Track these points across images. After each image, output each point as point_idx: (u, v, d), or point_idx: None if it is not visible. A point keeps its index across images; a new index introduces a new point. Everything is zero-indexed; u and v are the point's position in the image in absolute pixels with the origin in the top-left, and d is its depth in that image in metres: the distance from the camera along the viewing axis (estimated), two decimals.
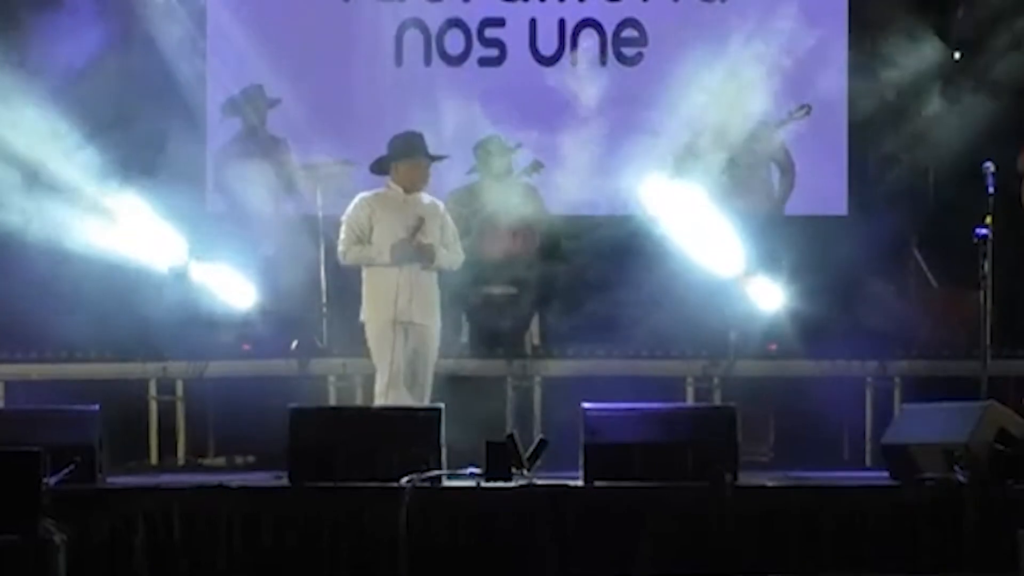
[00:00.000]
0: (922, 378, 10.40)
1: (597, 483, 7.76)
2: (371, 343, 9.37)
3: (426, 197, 9.54)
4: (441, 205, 9.61)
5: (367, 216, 9.30)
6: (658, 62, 11.98)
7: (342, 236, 9.46)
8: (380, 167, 9.58)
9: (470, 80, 11.97)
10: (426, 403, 9.21)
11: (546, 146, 11.17)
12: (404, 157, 9.40)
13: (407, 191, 9.40)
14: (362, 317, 9.47)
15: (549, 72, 11.93)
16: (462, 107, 11.85)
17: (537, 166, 10.95)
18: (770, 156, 11.08)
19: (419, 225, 9.19)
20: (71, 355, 10.59)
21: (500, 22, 12.12)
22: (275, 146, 11.25)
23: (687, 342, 10.70)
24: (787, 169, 11.17)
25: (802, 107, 10.96)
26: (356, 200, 9.47)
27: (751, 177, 10.94)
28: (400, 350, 9.18)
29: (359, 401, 10.11)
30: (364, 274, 9.45)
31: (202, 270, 10.25)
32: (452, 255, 9.48)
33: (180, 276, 10.17)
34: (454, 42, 12.12)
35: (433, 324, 9.40)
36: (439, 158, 9.66)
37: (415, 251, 9.19)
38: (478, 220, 10.93)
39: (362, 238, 9.32)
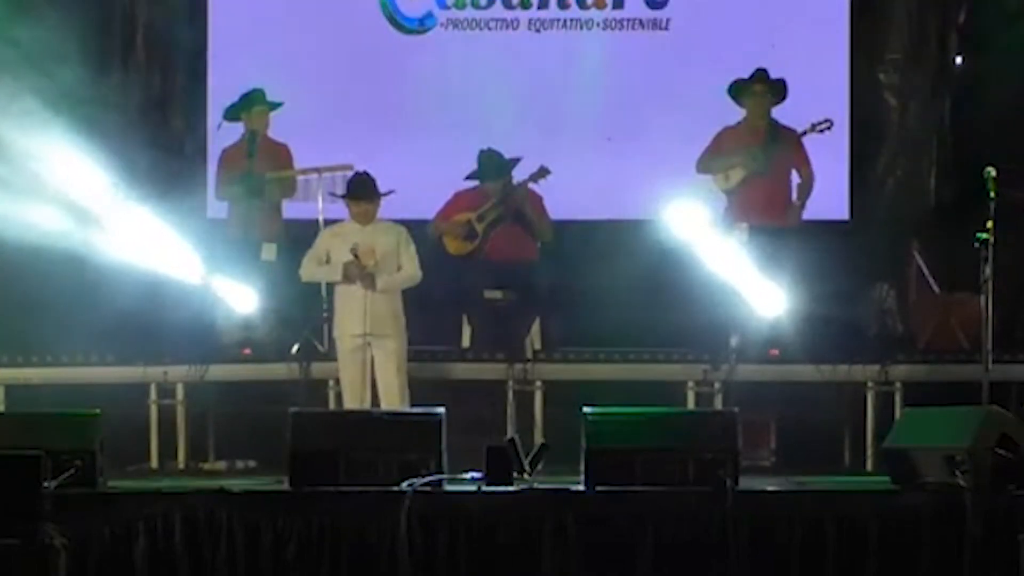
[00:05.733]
0: (923, 383, 10.39)
1: (598, 488, 7.75)
2: (339, 358, 10.02)
3: (384, 225, 10.14)
4: (402, 231, 10.14)
5: (326, 244, 10.09)
6: (661, 66, 12.01)
7: (304, 259, 10.14)
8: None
9: (473, 84, 12.00)
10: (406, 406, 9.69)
11: (548, 150, 11.19)
12: (352, 199, 10.10)
13: (360, 224, 10.05)
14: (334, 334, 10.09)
15: (554, 79, 11.97)
16: (465, 111, 11.90)
17: (544, 172, 10.95)
18: (791, 162, 11.00)
19: (357, 251, 9.89)
20: (72, 359, 10.59)
21: (506, 33, 12.16)
22: (276, 151, 11.24)
23: (688, 346, 10.69)
24: (806, 176, 11.05)
25: (824, 121, 10.91)
26: (322, 231, 10.29)
27: (770, 181, 10.90)
28: (364, 364, 9.85)
29: None
30: (335, 296, 10.07)
31: (204, 275, 10.24)
32: (400, 276, 10.03)
33: (181, 281, 10.17)
34: (458, 47, 12.15)
35: (391, 335, 9.92)
36: (386, 194, 10.14)
37: (360, 274, 9.90)
38: (483, 225, 10.96)
39: (320, 261, 10.07)
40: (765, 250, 10.53)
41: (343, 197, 10.14)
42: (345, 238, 9.98)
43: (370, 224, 10.05)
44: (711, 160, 10.97)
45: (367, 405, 9.80)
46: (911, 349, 11.00)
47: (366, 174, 10.14)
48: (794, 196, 11.00)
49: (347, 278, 9.89)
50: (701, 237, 10.20)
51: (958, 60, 12.20)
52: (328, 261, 10.01)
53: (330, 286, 10.26)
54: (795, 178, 11.02)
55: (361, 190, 10.05)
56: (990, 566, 7.47)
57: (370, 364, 9.89)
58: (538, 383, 10.49)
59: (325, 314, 10.52)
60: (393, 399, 9.84)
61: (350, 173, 10.77)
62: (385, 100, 12.01)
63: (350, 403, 9.87)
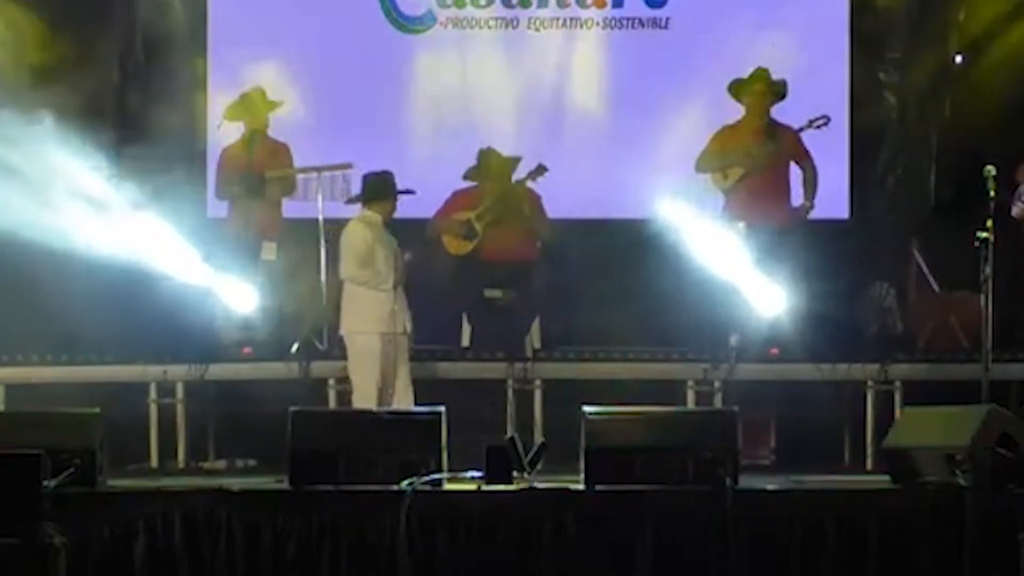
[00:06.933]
0: (923, 382, 10.39)
1: (598, 487, 7.75)
2: (358, 355, 9.89)
3: None
4: None
5: (369, 242, 9.92)
6: (660, 65, 12.01)
7: (349, 257, 9.96)
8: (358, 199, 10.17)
9: (473, 82, 12.01)
10: (412, 402, 9.74)
11: (548, 149, 11.19)
12: (385, 198, 10.02)
13: (384, 223, 10.05)
14: (344, 330, 9.96)
15: (553, 77, 11.97)
16: (464, 109, 11.91)
17: (541, 170, 10.96)
18: (790, 160, 11.00)
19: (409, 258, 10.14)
20: (72, 358, 10.58)
21: (506, 32, 12.17)
22: (276, 150, 11.24)
23: (688, 345, 10.69)
24: (809, 169, 11.03)
25: (821, 117, 10.90)
26: (355, 226, 10.02)
27: (768, 179, 10.89)
28: (384, 360, 9.84)
29: None
30: (353, 290, 9.92)
31: (203, 274, 10.24)
32: None
33: (181, 280, 10.17)
34: (458, 46, 12.15)
35: (407, 333, 10.00)
36: (408, 193, 10.14)
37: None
38: (482, 224, 10.97)
39: (367, 261, 9.88)
40: (764, 249, 10.53)
41: (401, 193, 10.06)
42: (379, 236, 9.96)
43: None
44: (710, 159, 10.98)
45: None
46: (911, 348, 11.00)
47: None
48: (797, 194, 11.01)
49: (397, 285, 9.92)
50: (700, 236, 10.20)
51: (958, 60, 12.20)
52: (372, 260, 9.91)
53: (331, 285, 10.27)
54: (796, 173, 11.01)
55: (398, 190, 10.09)
56: (990, 566, 7.46)
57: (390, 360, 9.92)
58: (538, 382, 10.49)
59: (324, 312, 10.52)
60: (408, 396, 9.88)
61: (350, 172, 10.80)
62: (385, 99, 12.00)
63: (368, 403, 9.76)
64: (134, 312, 10.40)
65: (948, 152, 12.15)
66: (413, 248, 10.28)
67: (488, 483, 7.75)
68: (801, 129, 10.91)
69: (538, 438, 9.51)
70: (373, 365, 9.82)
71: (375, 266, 9.90)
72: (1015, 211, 10.53)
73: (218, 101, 11.62)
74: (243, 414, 10.50)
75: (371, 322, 9.87)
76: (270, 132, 11.26)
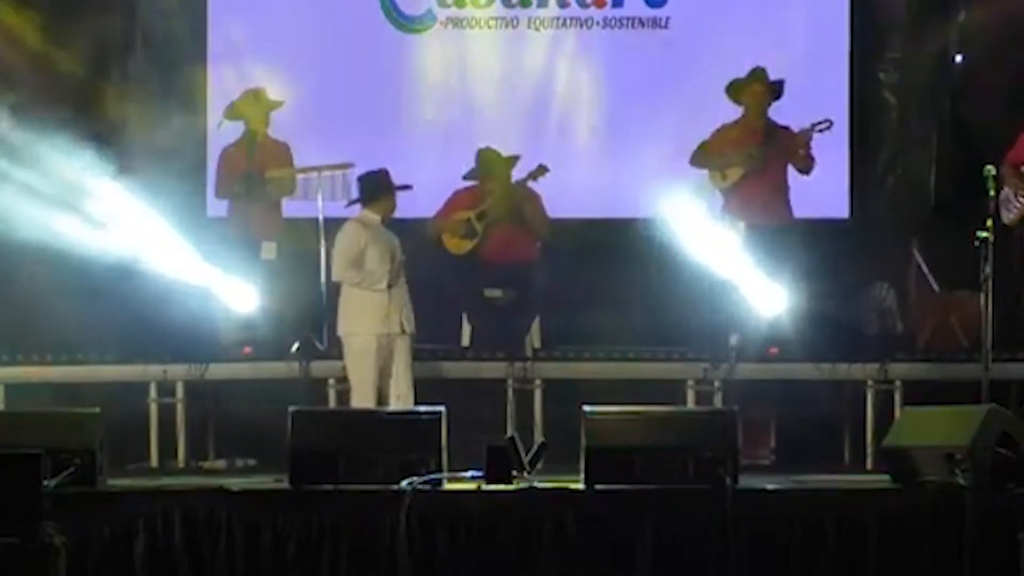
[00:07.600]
0: (923, 381, 10.38)
1: (598, 487, 7.76)
2: (354, 356, 9.89)
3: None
4: None
5: (361, 243, 9.92)
6: (660, 64, 12.02)
7: (338, 259, 9.99)
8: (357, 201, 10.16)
9: (473, 82, 12.01)
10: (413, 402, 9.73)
11: (548, 149, 11.19)
12: (383, 196, 10.01)
13: (381, 221, 10.02)
14: (340, 330, 9.97)
15: (553, 77, 11.97)
16: (464, 109, 11.91)
17: (541, 170, 10.96)
18: (787, 160, 11.00)
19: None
20: (72, 358, 10.58)
21: (506, 31, 12.17)
22: (276, 149, 11.24)
23: (688, 345, 10.69)
24: (806, 168, 11.02)
25: (824, 121, 10.89)
26: (349, 227, 10.02)
27: (767, 179, 10.89)
28: (381, 361, 9.83)
29: None
30: (348, 291, 9.93)
31: (203, 274, 10.24)
32: None
33: (181, 280, 10.16)
34: (458, 45, 12.16)
35: (407, 333, 9.95)
36: (405, 188, 10.11)
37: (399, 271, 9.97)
38: (482, 223, 10.97)
39: (357, 262, 9.88)
40: (764, 249, 10.53)
41: (399, 189, 10.03)
42: (374, 236, 9.92)
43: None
44: (708, 158, 10.98)
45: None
46: (911, 348, 10.99)
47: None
48: (796, 195, 11.00)
49: (391, 284, 9.87)
50: (700, 235, 10.20)
51: (958, 59, 12.20)
52: (363, 261, 9.88)
53: (332, 284, 10.27)
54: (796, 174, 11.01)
55: (389, 187, 10.03)
56: (990, 565, 7.47)
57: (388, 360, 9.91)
58: (538, 381, 10.48)
59: (325, 311, 10.51)
60: (409, 396, 9.86)
61: (350, 172, 10.79)
62: (385, 98, 12.01)
63: (365, 403, 9.76)
64: (134, 312, 10.39)
65: (948, 152, 12.15)
66: (413, 248, 10.26)
67: (488, 483, 7.75)
68: (803, 132, 10.90)
69: (538, 438, 9.51)
70: (369, 366, 9.82)
71: (366, 266, 9.87)
72: (1007, 218, 10.51)
73: (218, 101, 11.62)
74: (243, 414, 10.49)
75: (366, 323, 9.87)
76: (270, 132, 11.26)
